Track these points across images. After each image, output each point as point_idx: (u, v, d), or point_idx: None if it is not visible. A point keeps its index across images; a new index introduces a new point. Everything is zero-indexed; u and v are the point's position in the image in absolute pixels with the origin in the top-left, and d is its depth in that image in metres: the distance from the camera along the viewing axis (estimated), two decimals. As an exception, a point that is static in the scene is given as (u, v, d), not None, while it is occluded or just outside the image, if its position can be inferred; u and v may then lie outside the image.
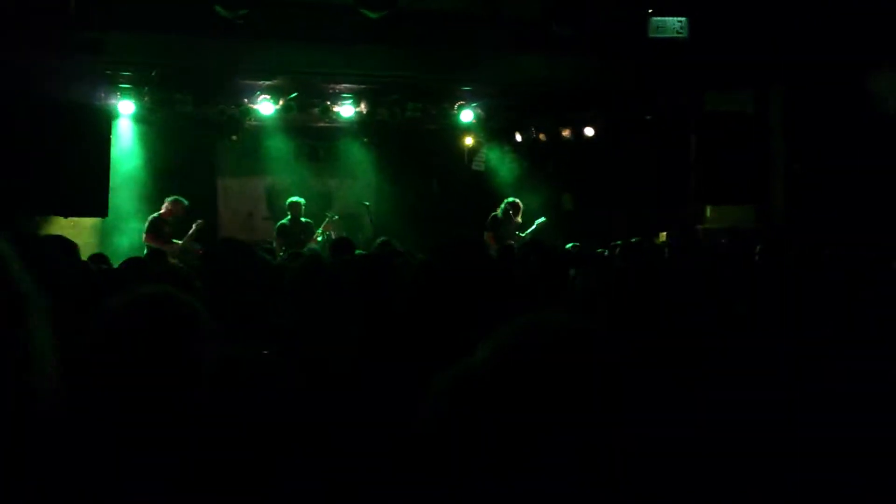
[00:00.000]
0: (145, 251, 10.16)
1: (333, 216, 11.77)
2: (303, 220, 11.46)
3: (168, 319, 1.78)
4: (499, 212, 11.43)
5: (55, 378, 0.99)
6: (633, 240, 8.28)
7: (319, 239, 11.11)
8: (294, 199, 11.56)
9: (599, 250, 8.37)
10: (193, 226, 10.91)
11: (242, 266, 3.27)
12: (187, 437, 1.61)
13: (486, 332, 2.36)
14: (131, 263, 5.33)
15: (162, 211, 10.88)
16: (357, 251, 6.72)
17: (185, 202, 11.01)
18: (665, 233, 10.67)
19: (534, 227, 11.39)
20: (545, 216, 11.73)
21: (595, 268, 3.04)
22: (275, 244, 11.07)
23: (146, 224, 10.80)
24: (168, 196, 11.14)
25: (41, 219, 9.89)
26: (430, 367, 2.16)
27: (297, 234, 11.24)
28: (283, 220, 11.49)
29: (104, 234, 11.17)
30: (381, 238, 7.68)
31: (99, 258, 7.31)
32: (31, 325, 0.97)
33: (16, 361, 0.93)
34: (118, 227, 11.26)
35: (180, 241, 10.76)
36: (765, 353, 2.22)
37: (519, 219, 11.41)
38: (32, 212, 9.47)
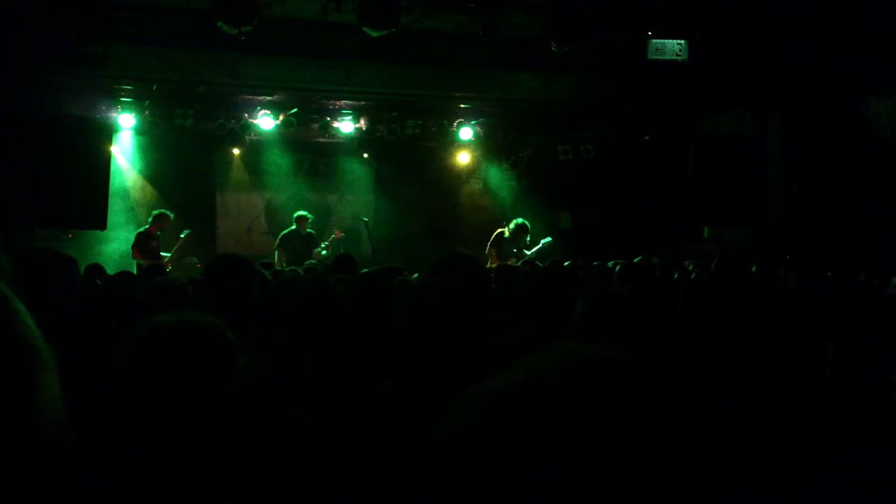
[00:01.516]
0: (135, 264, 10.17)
1: (341, 234, 11.90)
2: (307, 231, 11.57)
3: (201, 351, 1.74)
4: (506, 230, 11.34)
5: (65, 439, 0.92)
6: (636, 259, 8.28)
7: (324, 253, 11.15)
8: (302, 212, 11.71)
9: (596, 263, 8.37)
10: (181, 236, 10.91)
11: (241, 283, 3.29)
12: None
13: (481, 350, 2.39)
14: (123, 277, 5.34)
15: (148, 226, 10.84)
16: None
17: (171, 215, 10.97)
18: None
19: (539, 246, 11.24)
20: (546, 234, 11.62)
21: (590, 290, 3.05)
22: (276, 254, 11.14)
23: (133, 239, 10.78)
24: (163, 209, 11.14)
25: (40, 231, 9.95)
26: (423, 384, 2.19)
27: (298, 244, 11.32)
28: (286, 231, 11.58)
29: (95, 242, 11.16)
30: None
31: (96, 269, 7.31)
32: (41, 385, 0.88)
33: (23, 427, 0.86)
34: (107, 236, 11.20)
35: (168, 254, 10.74)
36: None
37: (526, 239, 11.30)
38: (33, 225, 9.50)
